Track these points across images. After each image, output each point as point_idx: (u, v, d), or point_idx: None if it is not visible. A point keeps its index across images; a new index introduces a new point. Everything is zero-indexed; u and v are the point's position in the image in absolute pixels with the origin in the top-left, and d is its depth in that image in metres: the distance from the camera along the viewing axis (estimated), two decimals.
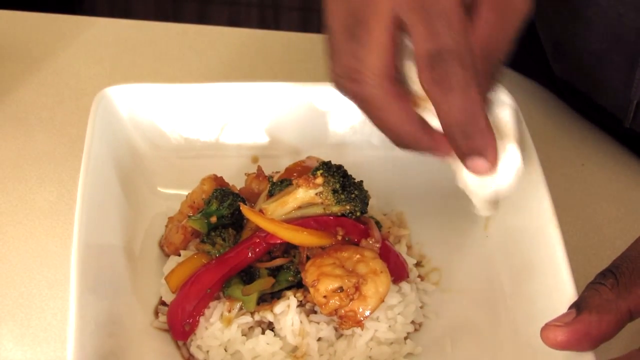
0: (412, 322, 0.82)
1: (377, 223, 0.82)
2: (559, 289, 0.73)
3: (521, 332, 0.77)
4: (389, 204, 0.91)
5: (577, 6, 0.88)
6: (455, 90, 0.64)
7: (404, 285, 0.82)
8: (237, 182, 0.88)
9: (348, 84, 0.67)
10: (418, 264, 0.87)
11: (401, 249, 0.86)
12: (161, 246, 0.88)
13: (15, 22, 1.18)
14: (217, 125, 0.93)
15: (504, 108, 0.73)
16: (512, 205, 0.83)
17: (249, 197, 0.86)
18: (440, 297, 0.85)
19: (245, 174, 0.88)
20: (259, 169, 0.88)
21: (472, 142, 0.68)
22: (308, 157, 0.88)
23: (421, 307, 0.84)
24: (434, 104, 0.67)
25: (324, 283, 0.74)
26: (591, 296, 0.63)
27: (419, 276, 0.86)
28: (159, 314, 0.82)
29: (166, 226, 0.88)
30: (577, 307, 0.63)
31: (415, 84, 0.68)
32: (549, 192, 0.79)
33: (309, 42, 1.17)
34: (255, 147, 0.94)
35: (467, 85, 0.64)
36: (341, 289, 0.74)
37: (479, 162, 0.69)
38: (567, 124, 1.06)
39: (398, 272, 0.81)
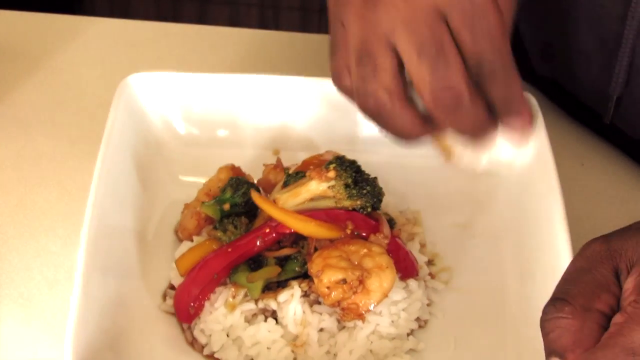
0: (418, 319, 0.83)
1: (391, 220, 0.84)
2: None
3: (523, 337, 0.78)
4: (405, 202, 0.92)
5: (565, 6, 0.91)
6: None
7: (412, 283, 0.82)
8: (255, 173, 0.90)
9: (363, 89, 0.73)
10: (430, 263, 0.88)
11: (414, 246, 0.87)
12: (176, 232, 0.89)
13: (15, 22, 1.18)
14: (238, 116, 0.94)
15: None
16: (525, 211, 0.84)
17: (266, 188, 0.87)
18: (449, 296, 0.86)
19: (264, 164, 0.89)
20: (278, 160, 0.89)
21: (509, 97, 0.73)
22: (327, 152, 0.89)
23: (429, 305, 0.85)
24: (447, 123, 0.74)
25: (328, 274, 0.75)
26: (562, 336, 0.58)
27: (430, 274, 0.87)
28: (167, 297, 0.84)
29: (182, 212, 0.89)
30: (559, 356, 0.57)
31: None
32: (563, 201, 0.79)
33: (309, 42, 1.17)
34: (276, 139, 0.95)
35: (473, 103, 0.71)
36: (344, 281, 0.75)
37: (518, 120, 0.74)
38: (566, 124, 1.06)
39: (406, 269, 0.82)
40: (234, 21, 2.47)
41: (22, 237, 0.92)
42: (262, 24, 2.47)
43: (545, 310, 0.59)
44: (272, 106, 0.93)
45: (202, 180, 0.90)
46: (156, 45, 1.17)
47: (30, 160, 1.00)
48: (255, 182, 0.89)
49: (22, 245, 0.91)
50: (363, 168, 0.83)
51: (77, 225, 0.90)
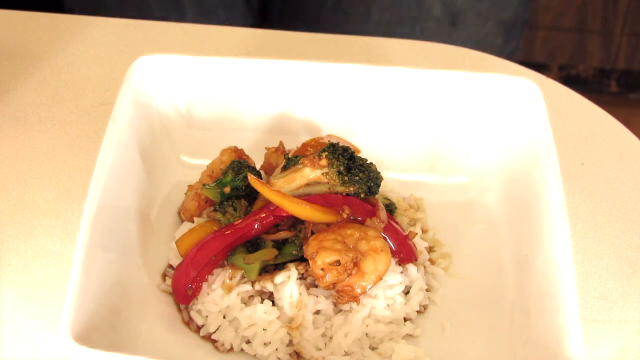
0: (419, 304, 0.84)
1: (391, 205, 0.85)
2: (557, 289, 0.74)
3: (516, 323, 0.79)
4: (408, 189, 0.94)
5: None
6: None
7: (410, 267, 0.83)
8: (258, 155, 0.91)
9: None
10: (430, 249, 0.89)
11: (415, 231, 0.88)
12: (179, 213, 0.90)
13: (14, 22, 1.18)
14: (243, 99, 0.94)
15: None
16: (526, 204, 0.85)
17: (268, 172, 0.88)
18: (447, 282, 0.87)
19: (266, 147, 0.90)
20: (280, 143, 0.90)
21: None
22: (328, 135, 0.90)
23: (428, 290, 0.86)
24: None
25: (322, 256, 0.76)
26: None
27: (429, 260, 0.88)
28: (167, 277, 0.85)
29: (185, 194, 0.90)
30: None
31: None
32: (564, 195, 0.80)
33: (309, 42, 1.17)
34: (279, 122, 0.95)
35: None
36: (338, 262, 0.76)
37: None
38: (566, 124, 1.06)
39: (404, 254, 0.83)
40: None
41: (21, 237, 0.92)
42: None
43: None
44: (276, 90, 0.94)
45: (207, 161, 0.91)
46: (156, 45, 1.17)
47: (29, 160, 1.00)
48: (258, 165, 0.89)
49: (21, 244, 0.91)
50: (363, 151, 0.83)
51: (76, 224, 0.90)
